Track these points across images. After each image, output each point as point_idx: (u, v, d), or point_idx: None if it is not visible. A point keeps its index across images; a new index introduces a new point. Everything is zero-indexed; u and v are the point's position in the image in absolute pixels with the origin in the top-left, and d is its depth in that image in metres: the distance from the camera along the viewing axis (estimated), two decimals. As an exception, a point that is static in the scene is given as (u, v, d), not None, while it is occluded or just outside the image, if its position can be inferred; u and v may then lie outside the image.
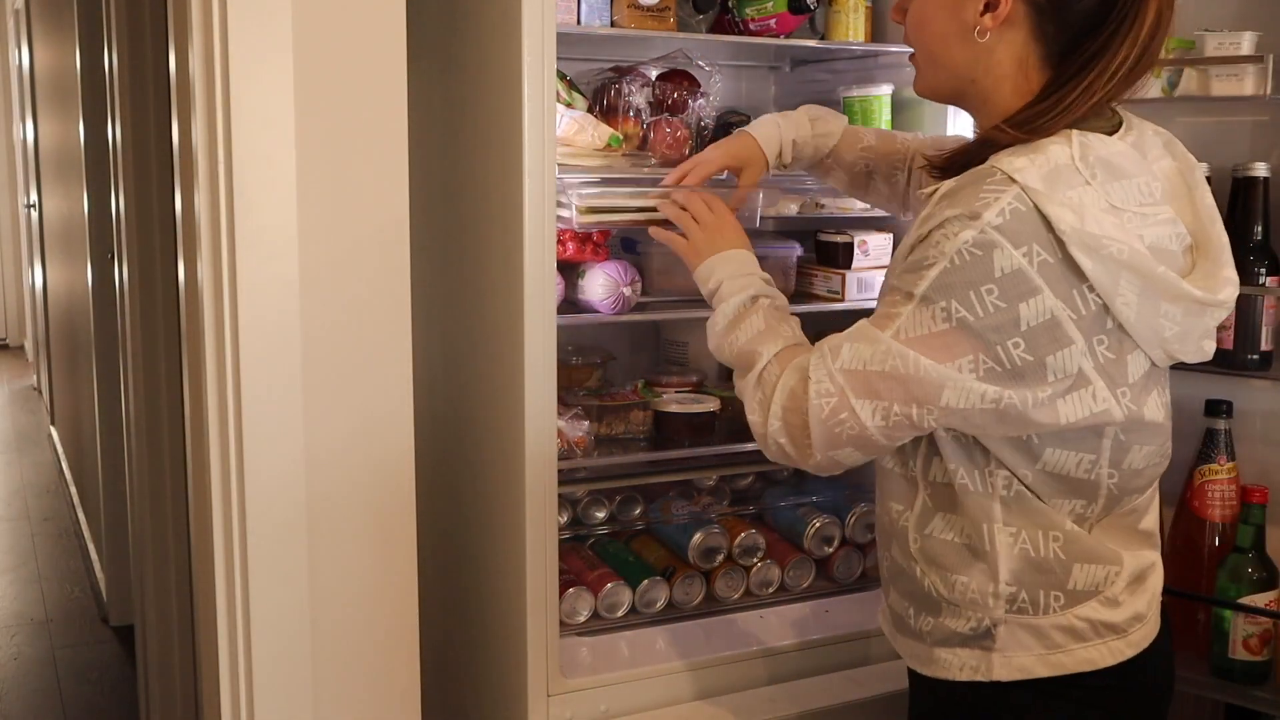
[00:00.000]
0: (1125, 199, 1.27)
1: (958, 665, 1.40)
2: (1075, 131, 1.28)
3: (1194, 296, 1.28)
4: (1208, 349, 1.36)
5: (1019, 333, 1.22)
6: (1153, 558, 1.43)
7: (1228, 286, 1.31)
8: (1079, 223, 1.21)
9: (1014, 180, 1.22)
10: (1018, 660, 1.37)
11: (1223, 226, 1.35)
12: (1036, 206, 1.21)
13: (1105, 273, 1.22)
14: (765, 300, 1.53)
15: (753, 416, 1.43)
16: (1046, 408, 1.26)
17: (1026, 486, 1.34)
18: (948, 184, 1.28)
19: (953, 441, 1.35)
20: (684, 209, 1.71)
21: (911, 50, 1.43)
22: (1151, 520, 1.44)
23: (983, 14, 1.31)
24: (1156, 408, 1.35)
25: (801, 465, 1.39)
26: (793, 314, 1.54)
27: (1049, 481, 1.34)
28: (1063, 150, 1.26)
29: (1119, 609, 1.37)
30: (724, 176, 1.85)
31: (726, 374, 2.45)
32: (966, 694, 1.40)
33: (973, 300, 1.22)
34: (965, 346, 1.23)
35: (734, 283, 1.56)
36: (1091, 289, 1.22)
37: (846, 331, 1.33)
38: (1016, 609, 1.36)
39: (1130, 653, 1.37)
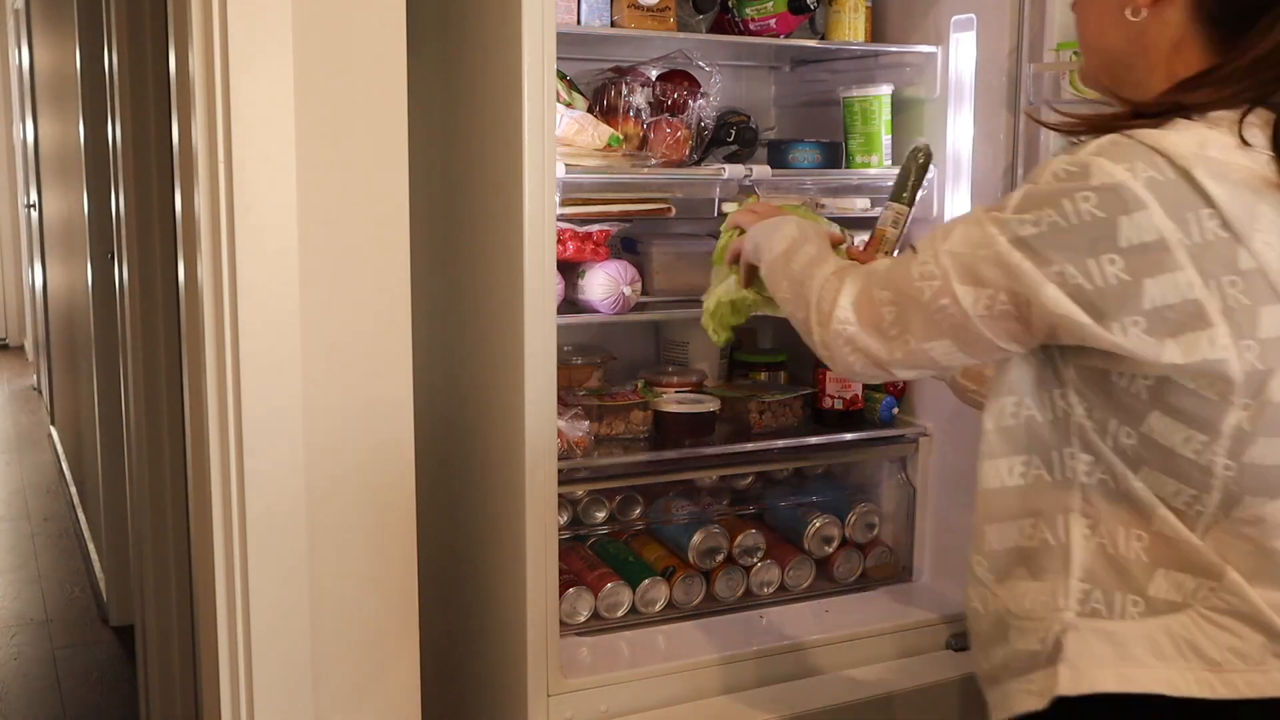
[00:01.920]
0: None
1: (1025, 692, 1.22)
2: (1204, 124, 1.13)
3: None
4: None
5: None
6: None
7: None
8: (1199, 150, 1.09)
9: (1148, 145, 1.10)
10: (1087, 674, 1.18)
11: None
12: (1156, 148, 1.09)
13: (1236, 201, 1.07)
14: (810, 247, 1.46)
15: (809, 312, 1.32)
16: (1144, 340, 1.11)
17: (1117, 470, 1.19)
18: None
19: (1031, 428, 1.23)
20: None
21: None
22: None
23: None
24: None
25: (881, 363, 1.25)
26: None
27: (1151, 452, 1.16)
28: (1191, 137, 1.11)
29: (1217, 635, 1.16)
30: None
31: (726, 374, 2.46)
32: None
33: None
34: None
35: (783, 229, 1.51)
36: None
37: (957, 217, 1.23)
38: (1089, 611, 1.20)
39: (1224, 693, 1.15)
